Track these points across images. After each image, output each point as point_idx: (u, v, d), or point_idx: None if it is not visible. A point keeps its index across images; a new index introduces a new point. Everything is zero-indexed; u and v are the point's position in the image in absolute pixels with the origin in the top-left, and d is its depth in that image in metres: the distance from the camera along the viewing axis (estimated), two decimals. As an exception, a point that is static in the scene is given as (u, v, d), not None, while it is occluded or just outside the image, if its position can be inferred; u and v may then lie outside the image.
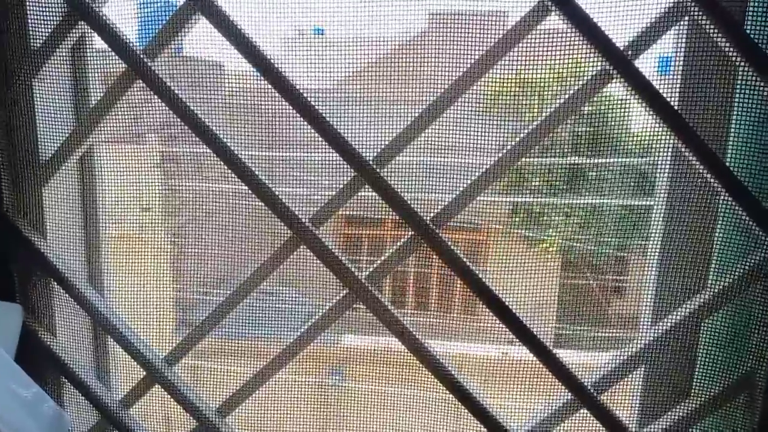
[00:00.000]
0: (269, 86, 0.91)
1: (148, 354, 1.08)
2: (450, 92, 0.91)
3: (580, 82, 0.90)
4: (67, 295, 1.09)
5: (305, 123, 0.91)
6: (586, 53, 0.87)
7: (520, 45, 0.88)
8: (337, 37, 0.91)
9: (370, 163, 0.92)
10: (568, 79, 0.95)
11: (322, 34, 0.95)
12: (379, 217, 1.08)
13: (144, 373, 1.09)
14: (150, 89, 0.94)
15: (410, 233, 0.95)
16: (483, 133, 0.94)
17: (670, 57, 0.90)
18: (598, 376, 1.00)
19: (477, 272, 0.94)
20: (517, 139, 0.92)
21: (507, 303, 0.95)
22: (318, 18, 0.93)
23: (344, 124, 0.93)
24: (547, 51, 0.90)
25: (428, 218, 0.94)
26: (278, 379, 1.09)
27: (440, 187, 0.96)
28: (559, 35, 0.89)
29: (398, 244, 0.97)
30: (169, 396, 1.09)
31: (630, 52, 0.86)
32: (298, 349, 1.03)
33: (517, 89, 1.00)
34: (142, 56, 0.93)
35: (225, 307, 1.03)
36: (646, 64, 0.88)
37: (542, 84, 0.99)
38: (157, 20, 0.95)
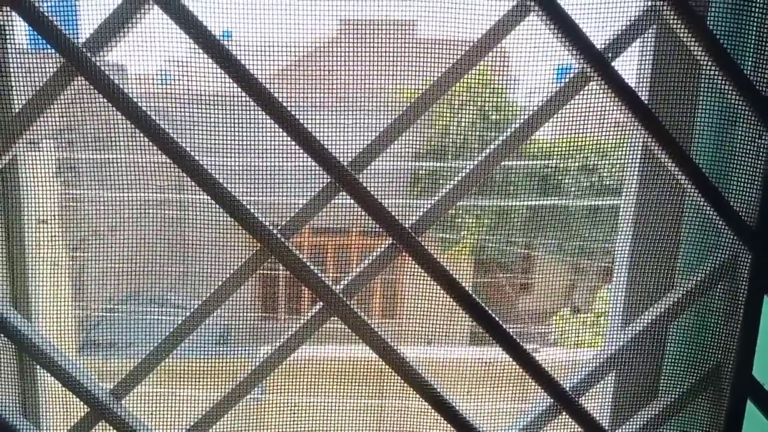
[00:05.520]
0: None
1: (91, 386, 0.95)
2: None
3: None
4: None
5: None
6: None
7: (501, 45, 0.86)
8: (246, 41, 0.87)
9: (348, 169, 0.86)
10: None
11: (229, 38, 0.89)
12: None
13: (86, 409, 0.96)
14: (96, 90, 0.82)
15: (389, 242, 0.90)
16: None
17: (568, 67, 0.91)
18: (575, 380, 0.99)
19: (461, 281, 0.91)
20: (497, 142, 0.89)
21: (491, 313, 0.92)
22: (226, 21, 0.87)
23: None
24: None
25: (408, 226, 0.89)
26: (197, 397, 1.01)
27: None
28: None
29: (375, 253, 0.92)
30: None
31: (609, 55, 0.86)
32: (271, 368, 0.95)
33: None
34: (84, 51, 0.82)
35: (184, 328, 0.93)
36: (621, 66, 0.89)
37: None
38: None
